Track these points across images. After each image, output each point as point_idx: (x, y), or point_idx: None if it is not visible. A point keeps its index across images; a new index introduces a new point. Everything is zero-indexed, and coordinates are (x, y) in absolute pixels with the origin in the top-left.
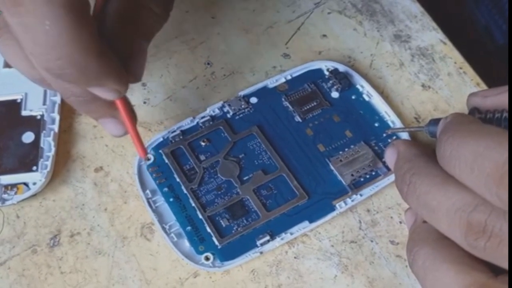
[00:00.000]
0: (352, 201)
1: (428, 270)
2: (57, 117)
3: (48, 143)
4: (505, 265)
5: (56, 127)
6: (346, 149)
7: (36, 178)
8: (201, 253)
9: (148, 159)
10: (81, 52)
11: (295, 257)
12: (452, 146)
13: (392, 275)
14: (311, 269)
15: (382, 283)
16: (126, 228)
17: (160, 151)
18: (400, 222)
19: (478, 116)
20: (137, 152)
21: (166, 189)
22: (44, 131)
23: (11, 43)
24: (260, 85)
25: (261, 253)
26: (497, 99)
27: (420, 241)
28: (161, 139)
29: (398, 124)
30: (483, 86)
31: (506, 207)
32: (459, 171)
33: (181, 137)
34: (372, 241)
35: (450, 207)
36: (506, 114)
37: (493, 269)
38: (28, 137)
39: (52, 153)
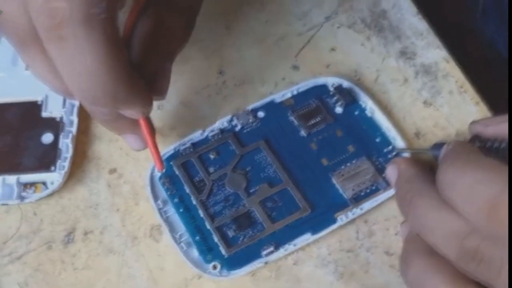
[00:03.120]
0: (353, 214)
1: (420, 281)
2: (75, 120)
3: (66, 145)
4: (493, 286)
5: (74, 130)
6: (348, 164)
7: (53, 178)
8: (209, 262)
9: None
10: (115, 83)
11: (294, 264)
12: (449, 176)
13: (385, 285)
14: (309, 276)
15: None
16: (137, 229)
17: (171, 162)
18: (396, 234)
19: (478, 145)
20: (155, 165)
21: (176, 199)
22: (62, 133)
23: (38, 56)
24: (267, 100)
25: (265, 263)
26: (498, 128)
27: (413, 252)
28: (173, 151)
29: (398, 139)
30: (482, 106)
31: (495, 238)
32: (454, 200)
33: (191, 149)
34: (368, 251)
35: (446, 231)
36: (504, 145)
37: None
38: (47, 138)
39: (69, 154)
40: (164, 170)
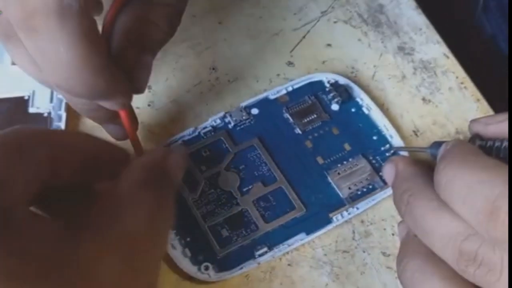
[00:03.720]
0: (349, 214)
1: (417, 282)
2: (63, 115)
3: None
4: None
5: (62, 125)
6: (345, 162)
7: None
8: (200, 262)
9: None
10: (91, 73)
11: (288, 264)
12: (447, 176)
13: (382, 286)
14: (303, 277)
15: None
16: None
17: None
18: (393, 234)
19: (478, 143)
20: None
21: None
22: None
23: (20, 47)
24: (261, 96)
25: (258, 264)
26: (499, 127)
27: (410, 253)
28: None
29: (396, 137)
30: (483, 102)
31: (495, 241)
32: (452, 201)
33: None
34: (364, 251)
35: (444, 233)
36: (506, 144)
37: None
38: None
39: None
40: None
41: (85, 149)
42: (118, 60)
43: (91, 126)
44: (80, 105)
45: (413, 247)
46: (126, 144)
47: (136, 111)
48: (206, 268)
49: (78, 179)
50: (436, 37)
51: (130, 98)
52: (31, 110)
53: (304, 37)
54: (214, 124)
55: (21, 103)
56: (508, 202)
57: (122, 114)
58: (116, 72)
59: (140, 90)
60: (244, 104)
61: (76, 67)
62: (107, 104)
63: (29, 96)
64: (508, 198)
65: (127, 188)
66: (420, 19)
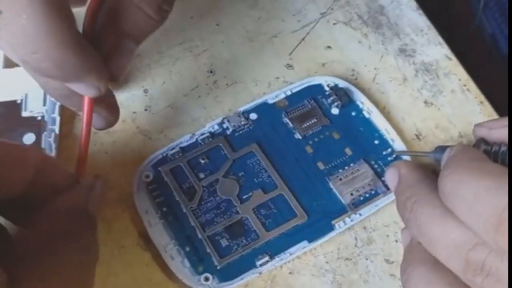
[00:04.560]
0: (352, 220)
1: None
2: (57, 118)
3: (49, 144)
4: None
5: (56, 128)
6: (346, 167)
7: None
8: (200, 273)
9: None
10: (58, 47)
11: (290, 273)
12: (452, 183)
13: None
14: (305, 285)
15: None
16: (123, 237)
17: (160, 168)
18: (396, 241)
19: (483, 148)
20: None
21: (165, 208)
22: (45, 132)
23: None
24: (259, 101)
25: (260, 273)
26: (503, 131)
27: (415, 261)
28: (161, 156)
29: (398, 141)
30: (487, 105)
31: (503, 252)
32: (458, 209)
33: (180, 154)
34: (367, 259)
35: (449, 242)
36: None
37: None
38: (29, 138)
39: (53, 154)
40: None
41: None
42: (97, 43)
43: None
44: (52, 90)
45: (418, 255)
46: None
47: (133, 115)
48: (206, 279)
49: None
50: (438, 38)
51: (105, 83)
52: (24, 114)
53: (303, 39)
54: (212, 130)
55: (14, 107)
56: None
57: (86, 102)
58: (90, 51)
59: (115, 78)
60: (242, 109)
61: (42, 38)
62: (79, 88)
63: (21, 100)
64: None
65: (49, 241)
66: (421, 20)
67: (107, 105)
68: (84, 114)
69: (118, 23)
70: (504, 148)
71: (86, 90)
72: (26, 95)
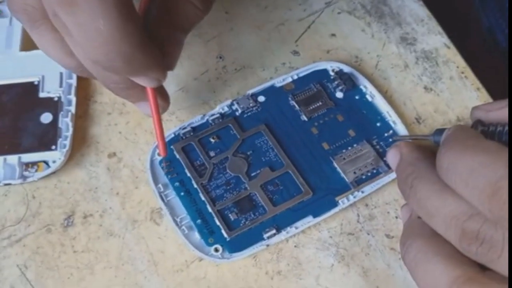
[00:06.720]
0: (354, 197)
1: (420, 262)
2: (73, 99)
3: (66, 124)
4: (493, 267)
5: (73, 108)
6: (349, 148)
7: (55, 156)
8: (210, 245)
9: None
10: (130, 46)
11: (295, 246)
12: (449, 159)
13: (386, 267)
14: (309, 258)
15: (375, 274)
16: (137, 212)
17: (172, 146)
18: (396, 217)
19: (480, 129)
20: (157, 146)
21: (177, 183)
22: (61, 112)
23: (48, 34)
24: (267, 84)
25: (267, 245)
26: (500, 113)
27: (413, 234)
28: (173, 135)
29: (399, 124)
30: (483, 91)
31: (497, 220)
32: (455, 184)
33: (191, 133)
34: (368, 234)
35: (447, 214)
36: (507, 128)
37: (481, 266)
38: (46, 117)
39: (70, 133)
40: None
41: None
42: (151, 37)
43: (100, 111)
44: (113, 84)
45: (416, 229)
46: (145, 137)
47: None
48: (216, 250)
49: None
50: (438, 28)
51: (165, 74)
52: (42, 94)
53: (309, 27)
54: (222, 111)
55: (31, 88)
56: (509, 185)
57: (150, 92)
58: (153, 47)
59: (171, 67)
60: (251, 91)
61: (116, 40)
62: (142, 80)
63: (38, 81)
64: (509, 180)
65: None
66: (422, 10)
67: (159, 93)
68: (151, 103)
69: (169, 15)
70: (500, 128)
71: (149, 82)
72: (43, 77)
